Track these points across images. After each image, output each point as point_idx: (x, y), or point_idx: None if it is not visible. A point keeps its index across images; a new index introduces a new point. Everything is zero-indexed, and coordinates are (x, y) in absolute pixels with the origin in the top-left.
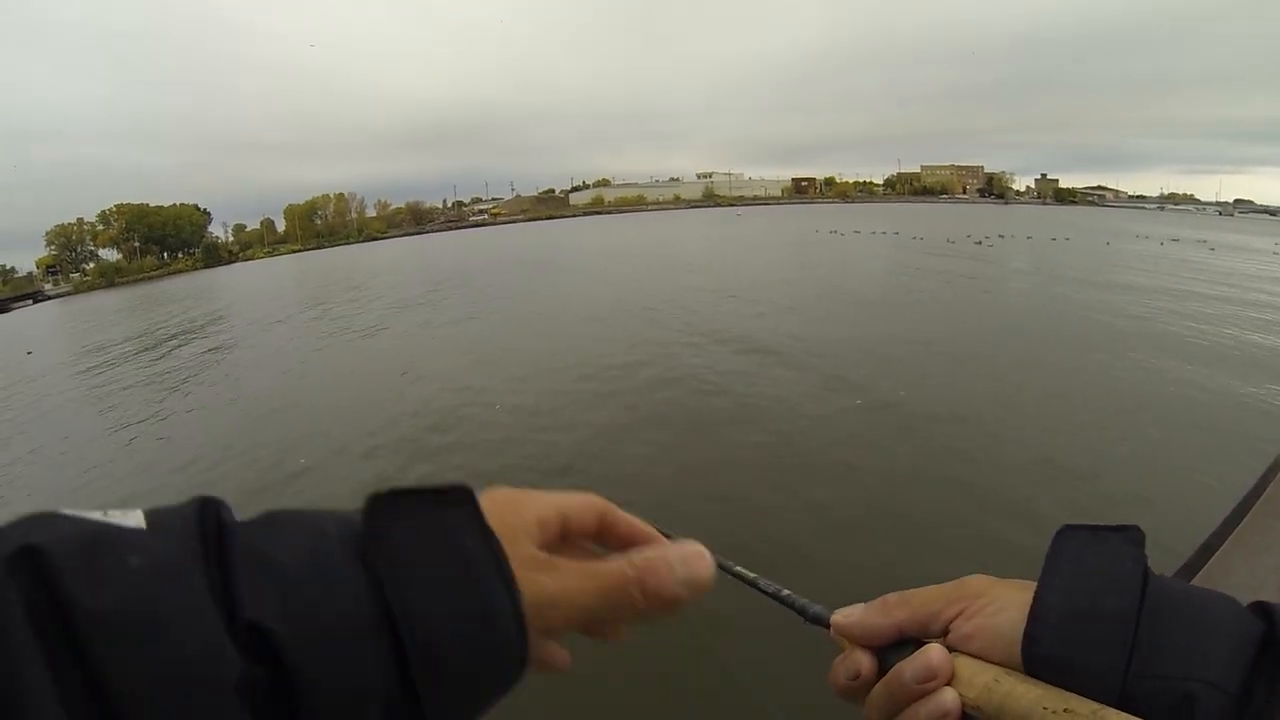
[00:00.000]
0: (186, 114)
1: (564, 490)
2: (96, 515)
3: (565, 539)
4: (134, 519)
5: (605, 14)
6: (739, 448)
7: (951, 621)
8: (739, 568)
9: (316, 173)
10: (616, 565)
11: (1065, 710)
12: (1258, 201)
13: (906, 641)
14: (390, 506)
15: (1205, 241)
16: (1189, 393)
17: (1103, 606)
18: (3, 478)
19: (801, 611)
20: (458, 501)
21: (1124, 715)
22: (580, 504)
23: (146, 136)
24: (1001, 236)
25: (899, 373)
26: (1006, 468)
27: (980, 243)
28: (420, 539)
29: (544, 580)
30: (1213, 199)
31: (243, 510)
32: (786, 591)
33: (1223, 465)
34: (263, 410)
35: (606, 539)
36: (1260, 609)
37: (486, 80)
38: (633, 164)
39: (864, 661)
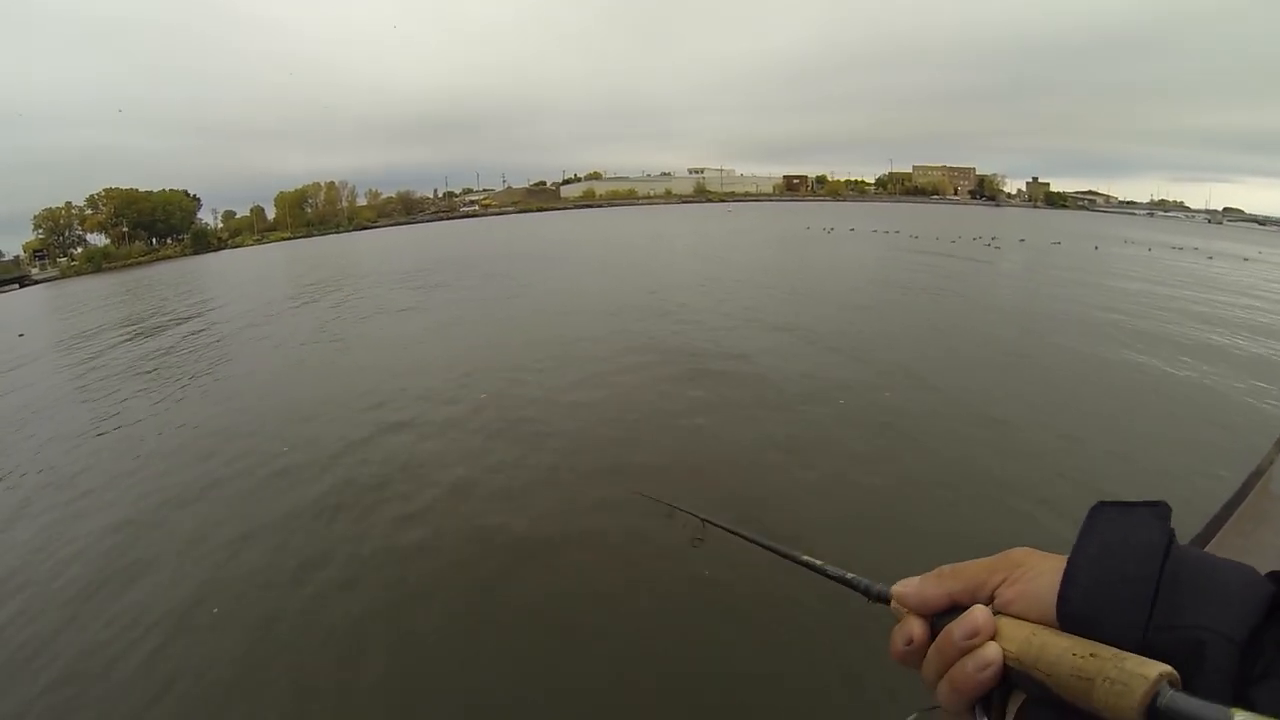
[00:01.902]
0: (180, 99)
1: None
2: None
3: None
4: None
5: (607, 14)
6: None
7: (996, 589)
8: (806, 556)
9: (308, 161)
10: None
11: (1091, 655)
12: (1246, 210)
13: (957, 608)
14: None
15: (1199, 249)
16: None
17: (1127, 570)
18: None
19: (865, 591)
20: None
21: (1141, 658)
22: None
23: (139, 121)
24: (994, 239)
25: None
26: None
27: (989, 244)
28: None
29: None
30: (1202, 206)
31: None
32: (850, 575)
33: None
34: (249, 399)
35: None
36: (1276, 577)
37: (484, 74)
38: (625, 159)
39: (917, 627)
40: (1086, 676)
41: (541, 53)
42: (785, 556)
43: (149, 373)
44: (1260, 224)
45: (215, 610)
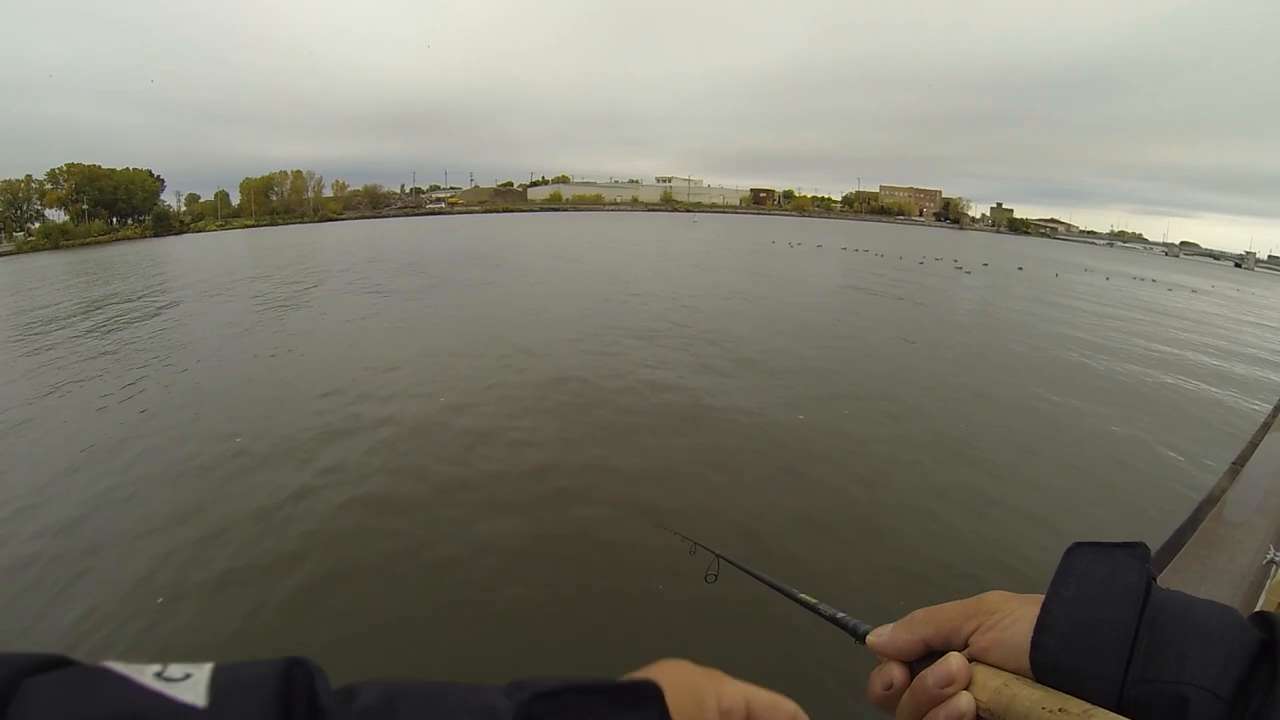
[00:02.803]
0: (150, 74)
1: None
2: (151, 675)
3: None
4: (194, 689)
5: (589, 19)
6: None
7: (971, 635)
8: (803, 594)
9: (275, 149)
10: None
11: (1060, 710)
12: (1202, 245)
13: (935, 654)
14: (558, 708)
15: (1156, 281)
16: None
17: (1105, 617)
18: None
19: (853, 632)
20: (642, 701)
21: (1112, 715)
22: (769, 703)
23: (108, 95)
24: (962, 263)
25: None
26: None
27: (959, 267)
28: None
29: None
30: (1160, 239)
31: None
32: (841, 614)
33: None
34: (215, 386)
35: None
36: (1262, 619)
37: (461, 70)
38: (595, 164)
39: (897, 673)
40: None
41: (520, 53)
42: (785, 594)
43: (105, 355)
44: (1215, 258)
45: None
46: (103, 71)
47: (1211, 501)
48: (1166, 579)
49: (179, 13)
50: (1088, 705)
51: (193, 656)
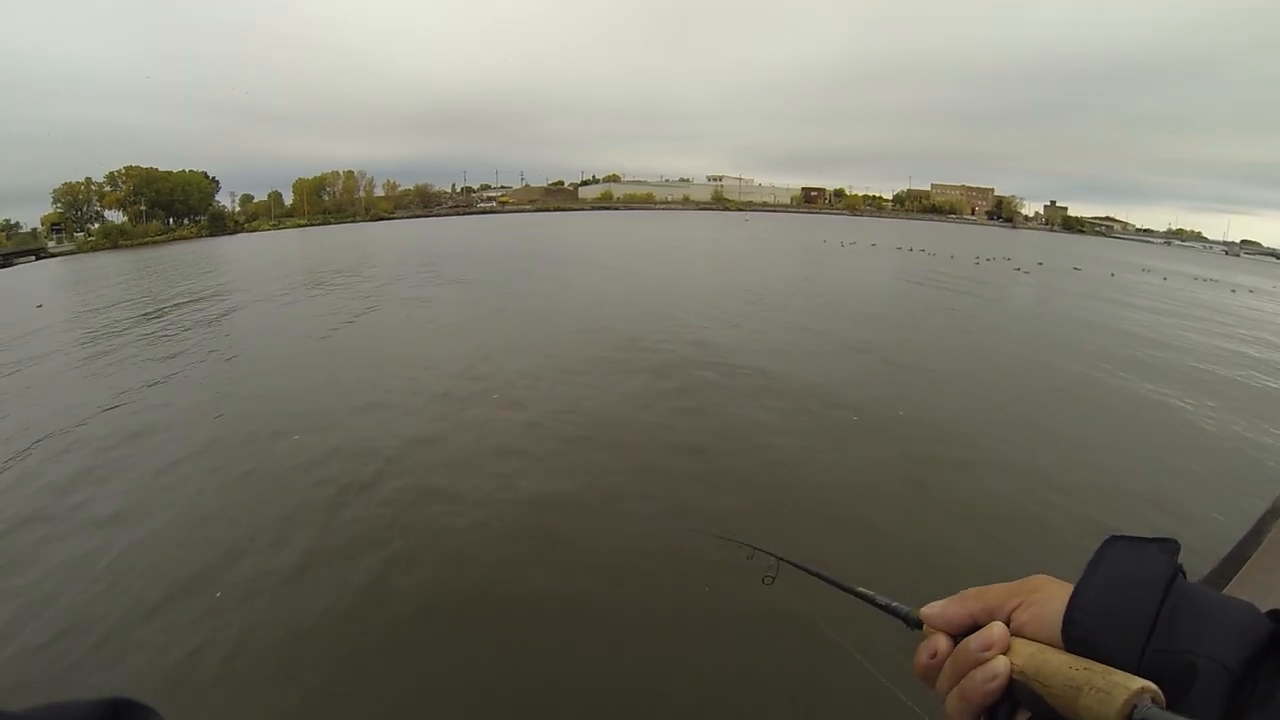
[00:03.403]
0: (206, 79)
1: None
2: None
3: None
4: None
5: (636, 15)
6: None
7: (1013, 611)
8: (861, 588)
9: (327, 149)
10: None
11: (1084, 668)
12: (1264, 244)
13: (977, 627)
14: None
15: (1218, 281)
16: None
17: (1130, 599)
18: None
19: (905, 619)
20: None
21: (1128, 674)
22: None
23: (163, 100)
24: (1035, 264)
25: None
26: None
27: (1019, 269)
28: None
29: None
30: (1219, 238)
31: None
32: (895, 603)
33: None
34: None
35: None
36: (1276, 615)
37: (509, 69)
38: (644, 162)
39: (942, 643)
40: (1076, 686)
41: (568, 51)
42: (842, 588)
43: (167, 358)
44: (1278, 257)
45: (218, 595)
46: (161, 76)
47: (1276, 513)
48: (1231, 591)
49: (238, 19)
50: (1107, 666)
51: None
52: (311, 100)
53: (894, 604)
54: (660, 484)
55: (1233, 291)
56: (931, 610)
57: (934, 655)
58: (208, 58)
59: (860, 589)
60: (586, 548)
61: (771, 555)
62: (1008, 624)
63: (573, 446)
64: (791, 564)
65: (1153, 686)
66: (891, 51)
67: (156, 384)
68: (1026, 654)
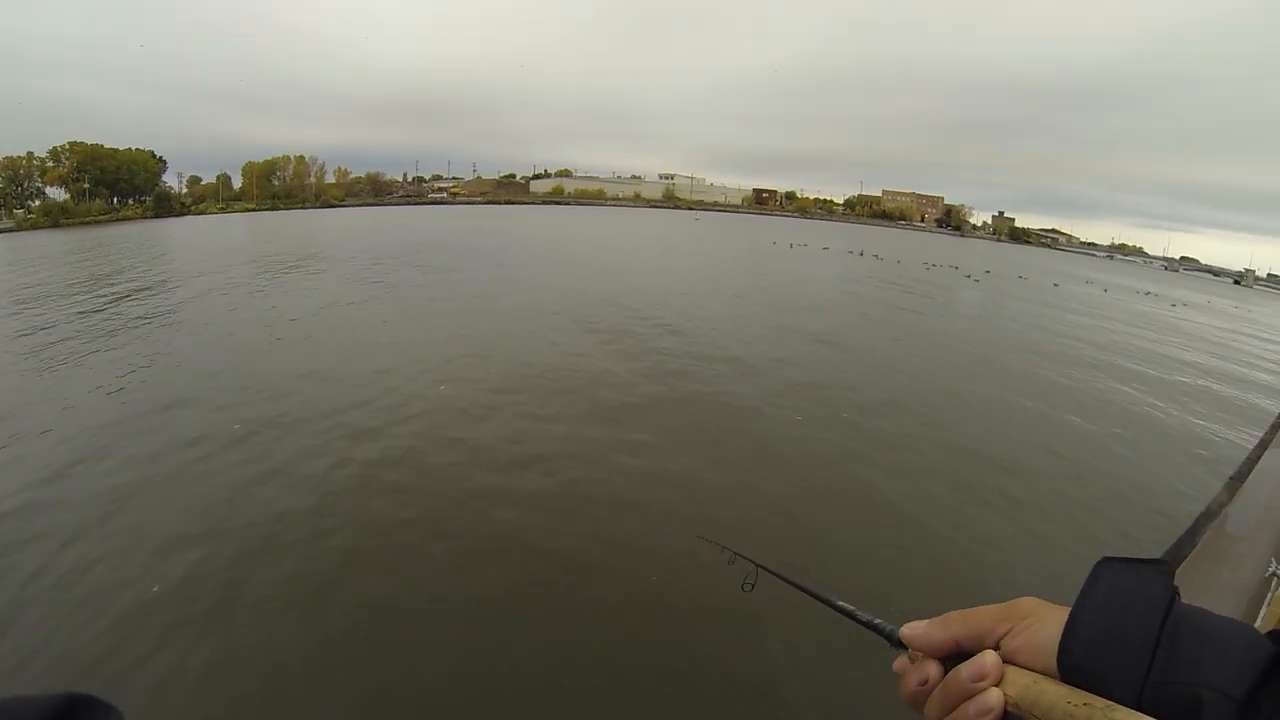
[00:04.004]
0: (155, 52)
1: None
2: None
3: None
4: None
5: (601, 16)
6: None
7: (1003, 637)
8: (841, 602)
9: (278, 133)
10: None
11: (1084, 704)
12: (1202, 260)
13: (966, 653)
14: None
15: (1157, 295)
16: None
17: (1128, 625)
18: None
19: (889, 637)
20: None
21: (1132, 712)
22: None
23: (109, 73)
24: (987, 272)
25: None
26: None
27: (969, 276)
28: None
29: None
30: (1160, 254)
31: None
32: (878, 620)
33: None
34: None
35: None
36: (1276, 636)
37: (468, 61)
38: (599, 159)
39: (933, 670)
40: None
41: (529, 46)
42: (823, 601)
43: (111, 349)
44: (1214, 274)
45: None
46: (108, 49)
47: (1211, 515)
48: (1191, 560)
49: None
50: (1109, 702)
51: None
52: (266, 81)
53: (876, 621)
54: (642, 484)
55: (1172, 306)
56: (913, 631)
57: (924, 683)
58: (156, 30)
59: (841, 603)
60: (555, 543)
61: (751, 562)
62: (997, 647)
63: (538, 440)
64: (771, 573)
65: None
66: (851, 61)
67: (100, 377)
68: (1021, 685)
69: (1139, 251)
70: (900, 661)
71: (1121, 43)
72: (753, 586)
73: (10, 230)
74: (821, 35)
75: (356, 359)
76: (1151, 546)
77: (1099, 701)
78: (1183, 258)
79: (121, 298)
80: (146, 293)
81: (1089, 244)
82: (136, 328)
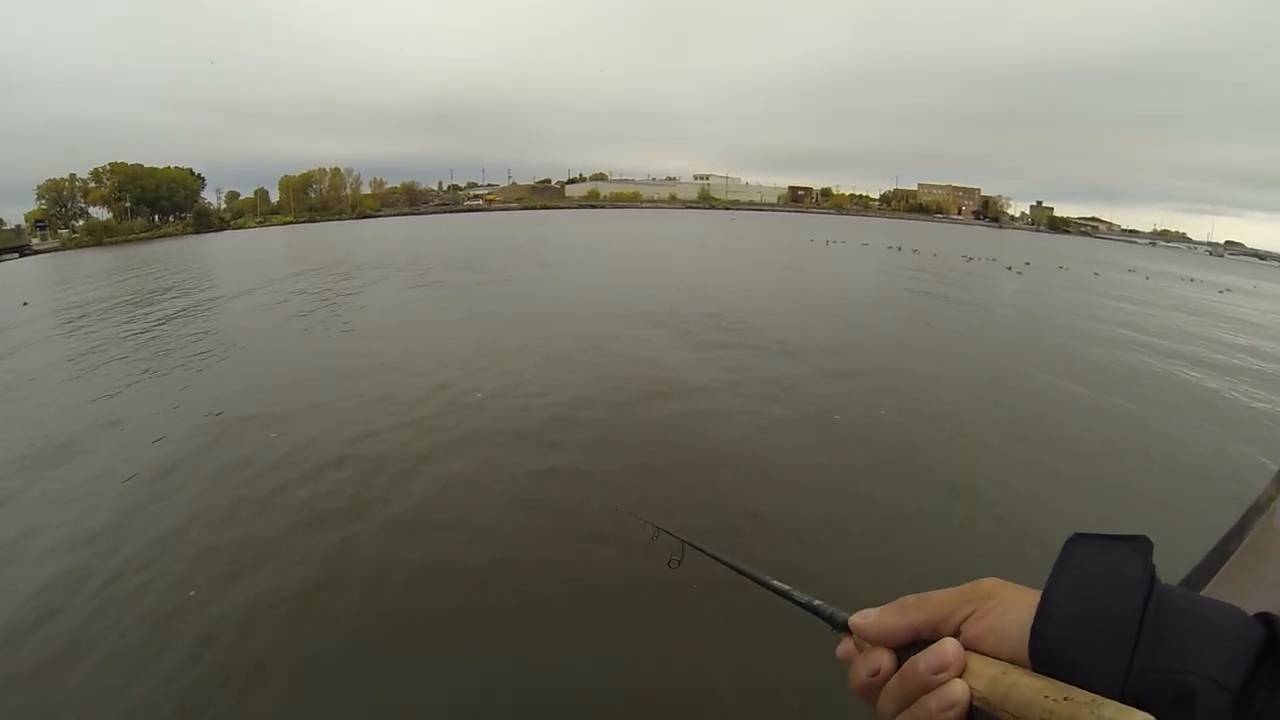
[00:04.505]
0: (193, 76)
1: None
2: None
3: None
4: None
5: (630, 19)
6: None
7: (963, 622)
8: (775, 581)
9: (313, 147)
10: None
11: (1065, 699)
12: (1247, 244)
13: (922, 642)
14: None
15: (1204, 281)
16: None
17: (1108, 608)
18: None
19: (830, 620)
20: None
21: (1120, 705)
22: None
23: (150, 96)
24: (1028, 263)
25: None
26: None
27: (1009, 268)
28: None
29: None
30: (1204, 238)
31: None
32: (818, 602)
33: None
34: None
35: None
36: (1265, 619)
37: (497, 69)
38: (632, 161)
39: (885, 660)
40: None
41: (558, 51)
42: (756, 581)
43: (154, 352)
44: (1260, 258)
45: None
46: (146, 72)
47: (1259, 510)
48: (1214, 589)
49: (226, 16)
50: (1092, 695)
51: None
52: (299, 98)
53: (816, 603)
54: (588, 463)
55: (1220, 292)
56: (865, 620)
57: (875, 673)
58: (195, 54)
59: (776, 583)
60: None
61: (676, 538)
62: (957, 634)
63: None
64: (698, 548)
65: None
66: (879, 54)
67: (142, 383)
68: (989, 677)
69: (1182, 237)
70: (844, 647)
71: (1153, 21)
72: (679, 563)
73: (55, 250)
74: (850, 30)
75: (424, 363)
76: (1200, 538)
77: (1081, 695)
78: (1228, 242)
79: (169, 317)
80: (195, 309)
81: (1130, 231)
82: (197, 341)
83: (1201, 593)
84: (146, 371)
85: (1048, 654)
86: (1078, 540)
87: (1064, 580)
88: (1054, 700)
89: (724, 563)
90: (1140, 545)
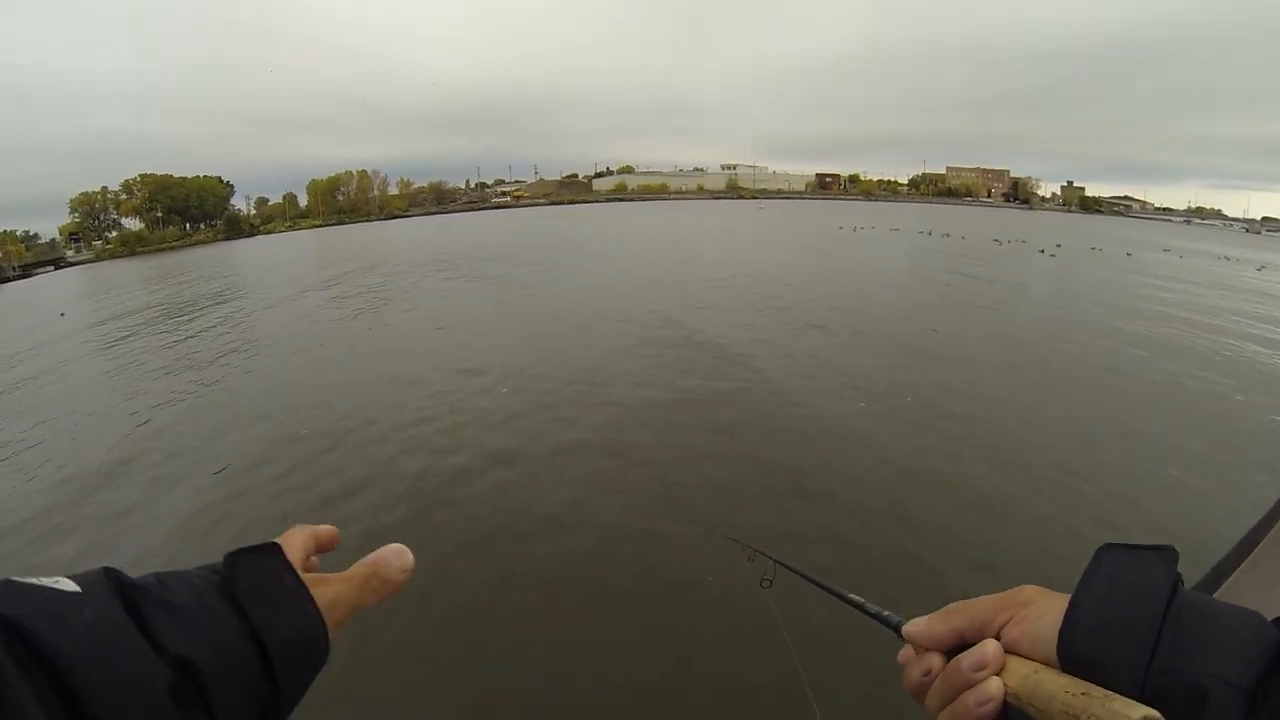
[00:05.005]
0: (218, 89)
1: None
2: (39, 581)
3: (309, 556)
4: (68, 584)
5: (651, 10)
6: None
7: (1003, 626)
8: (853, 595)
9: (341, 150)
10: (359, 569)
11: (1082, 694)
12: None
13: (965, 645)
14: (237, 562)
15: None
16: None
17: (1130, 613)
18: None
19: (896, 629)
20: (274, 553)
21: (1129, 700)
22: (308, 533)
23: (176, 109)
24: (1059, 246)
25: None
26: None
27: (1043, 251)
28: (261, 582)
29: (325, 592)
30: (1240, 215)
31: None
32: (887, 612)
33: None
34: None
35: (324, 550)
36: None
37: (519, 66)
38: (659, 154)
39: (936, 662)
40: (1074, 714)
41: (581, 46)
42: (834, 594)
43: (183, 358)
44: None
45: None
46: (174, 84)
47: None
48: (1236, 587)
49: (248, 27)
50: (1107, 691)
51: None
52: (325, 104)
53: (885, 613)
54: (666, 477)
55: (1259, 270)
56: (915, 628)
57: (928, 674)
58: (225, 67)
59: (851, 596)
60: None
61: (770, 559)
62: (998, 637)
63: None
64: (789, 568)
65: (1154, 714)
66: (902, 37)
67: (186, 389)
68: (1021, 675)
69: (1218, 214)
70: (905, 653)
71: None
72: (770, 583)
73: (90, 261)
74: (876, 13)
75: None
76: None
77: (1097, 691)
78: (1264, 218)
79: (210, 330)
80: (237, 316)
81: (1164, 209)
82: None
83: (1220, 590)
84: (242, 361)
85: (1074, 656)
86: (1106, 550)
87: (1092, 587)
88: (1073, 695)
89: (810, 579)
90: (1166, 554)
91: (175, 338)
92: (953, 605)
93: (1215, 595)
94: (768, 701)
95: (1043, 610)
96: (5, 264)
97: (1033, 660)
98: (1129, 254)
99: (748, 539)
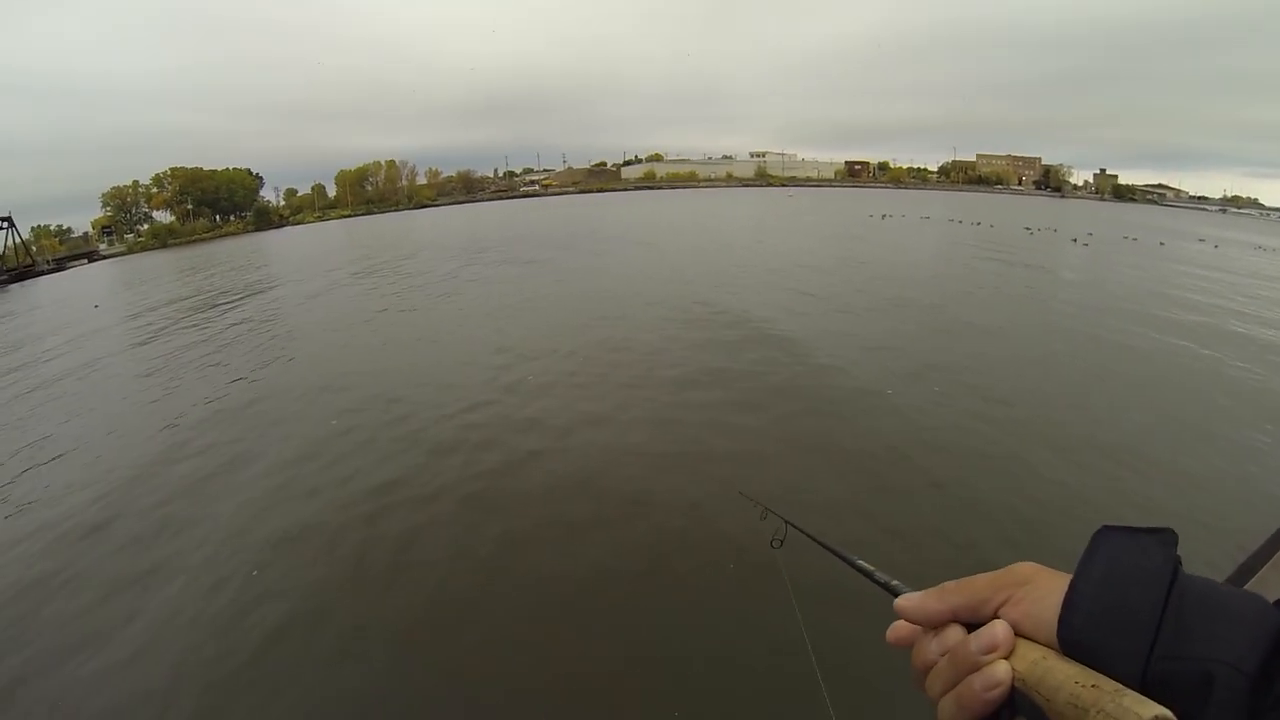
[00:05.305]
0: (247, 83)
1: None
2: None
3: None
4: None
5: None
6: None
7: (1000, 606)
8: (861, 561)
9: (369, 141)
10: None
11: (1092, 686)
12: None
13: (961, 625)
14: None
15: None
16: None
17: (1130, 597)
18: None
19: (895, 593)
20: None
21: (1140, 697)
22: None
23: (206, 103)
24: (1091, 234)
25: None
26: None
27: (1075, 240)
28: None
29: None
30: (1277, 204)
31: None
32: (895, 582)
33: None
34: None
35: None
36: None
37: (548, 56)
38: (688, 142)
39: (953, 637)
40: (1082, 707)
41: (610, 34)
42: (843, 559)
43: (238, 356)
44: None
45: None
46: (204, 79)
47: None
48: (1258, 587)
49: (280, 21)
50: (1119, 685)
51: None
52: (356, 96)
53: (893, 582)
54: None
55: None
56: (909, 603)
57: (945, 653)
58: (255, 62)
59: (860, 562)
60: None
61: (781, 519)
62: (995, 617)
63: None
64: (799, 530)
65: (1167, 715)
66: (932, 22)
67: (226, 379)
68: (1029, 660)
69: (1254, 203)
70: (895, 628)
71: None
72: (781, 544)
73: (122, 254)
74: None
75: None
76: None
77: (1108, 684)
78: None
79: (242, 323)
80: (271, 306)
81: (1199, 198)
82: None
83: (1250, 584)
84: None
85: (1074, 641)
86: (1105, 532)
87: (1091, 571)
88: (1082, 686)
89: (819, 543)
90: (1165, 537)
91: (209, 331)
92: (948, 584)
93: (1253, 579)
94: (773, 663)
95: (1044, 590)
96: (40, 258)
97: (1036, 643)
98: (1162, 243)
99: (760, 498)
